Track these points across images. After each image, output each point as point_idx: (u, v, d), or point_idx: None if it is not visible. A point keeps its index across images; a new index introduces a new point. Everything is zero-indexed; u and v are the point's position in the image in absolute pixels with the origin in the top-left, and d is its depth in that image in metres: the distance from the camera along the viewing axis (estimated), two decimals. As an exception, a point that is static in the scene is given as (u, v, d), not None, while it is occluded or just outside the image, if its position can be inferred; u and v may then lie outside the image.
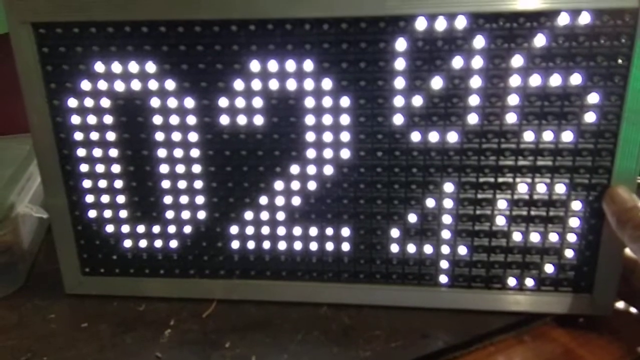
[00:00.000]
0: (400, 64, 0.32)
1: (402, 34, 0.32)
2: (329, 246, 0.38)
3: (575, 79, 0.31)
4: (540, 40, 0.31)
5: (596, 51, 0.31)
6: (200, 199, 0.38)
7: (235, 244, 0.39)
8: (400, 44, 0.32)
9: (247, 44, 0.33)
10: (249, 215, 0.38)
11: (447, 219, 0.36)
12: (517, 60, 0.31)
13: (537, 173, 0.34)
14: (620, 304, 0.38)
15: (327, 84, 0.33)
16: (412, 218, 0.36)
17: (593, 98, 0.31)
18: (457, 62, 0.32)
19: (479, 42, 0.31)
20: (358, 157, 0.35)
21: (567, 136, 0.32)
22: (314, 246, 0.38)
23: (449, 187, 0.35)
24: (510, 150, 0.33)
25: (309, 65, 0.33)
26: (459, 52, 0.32)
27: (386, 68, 0.33)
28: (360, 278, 0.38)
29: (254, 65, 0.34)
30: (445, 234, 0.36)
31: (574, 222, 0.34)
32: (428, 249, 0.37)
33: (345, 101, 0.34)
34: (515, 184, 0.34)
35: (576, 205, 0.34)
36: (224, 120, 0.35)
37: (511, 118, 0.33)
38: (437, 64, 0.32)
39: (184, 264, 0.40)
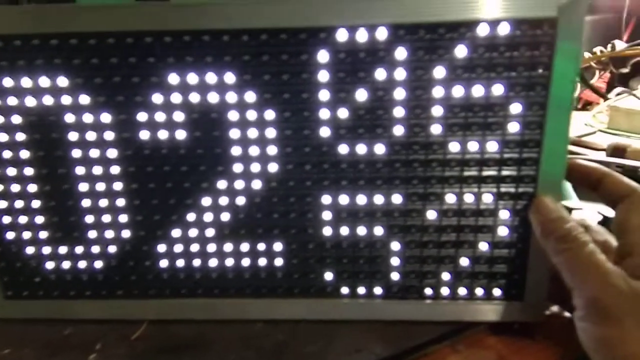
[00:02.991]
0: (323, 76, 0.32)
1: (323, 45, 0.31)
2: (262, 262, 0.37)
3: (497, 90, 0.31)
4: (461, 51, 0.31)
5: (517, 61, 0.31)
6: (123, 218, 0.36)
7: (163, 263, 0.37)
8: (323, 56, 0.31)
9: (164, 56, 0.32)
10: (176, 232, 0.37)
11: (378, 231, 0.35)
12: (439, 72, 0.31)
13: (464, 183, 0.34)
14: (555, 308, 0.38)
15: (250, 96, 0.33)
16: (345, 231, 0.36)
17: (515, 108, 0.32)
18: (380, 74, 0.31)
19: (400, 53, 0.31)
20: (286, 170, 0.34)
21: (492, 146, 0.33)
22: (246, 262, 0.37)
23: (378, 199, 0.35)
24: (437, 161, 0.33)
25: (230, 77, 0.32)
26: (382, 63, 0.31)
27: (310, 80, 0.32)
28: (295, 293, 0.38)
29: (173, 78, 0.32)
30: (379, 245, 0.36)
31: (503, 231, 0.35)
32: (368, 262, 0.36)
33: (269, 114, 0.33)
34: (443, 194, 0.34)
35: (504, 214, 0.34)
36: (144, 135, 0.34)
37: (436, 129, 0.33)
38: (360, 75, 0.32)
39: (111, 285, 0.38)
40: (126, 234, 0.37)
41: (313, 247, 0.36)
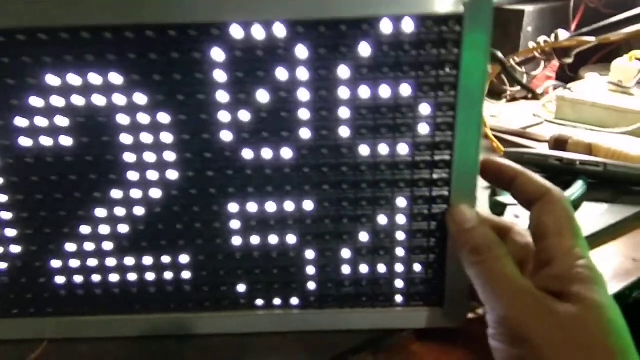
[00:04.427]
0: (220, 75, 0.30)
1: (217, 42, 0.29)
2: (168, 275, 0.35)
3: (405, 90, 0.30)
4: (364, 49, 0.29)
5: (423, 60, 0.30)
6: (11, 232, 0.34)
7: (60, 279, 0.35)
8: (217, 54, 0.29)
9: (39, 56, 0.29)
10: (70, 247, 0.34)
11: (291, 239, 0.34)
12: (343, 71, 0.30)
13: (376, 188, 0.33)
14: (481, 311, 0.38)
15: (140, 98, 0.30)
16: (255, 240, 0.34)
17: (425, 109, 0.31)
18: (281, 74, 0.30)
19: (301, 51, 0.29)
20: (187, 178, 0.33)
21: (403, 149, 0.32)
22: (150, 276, 0.35)
23: (289, 206, 0.33)
24: (347, 165, 0.32)
25: (116, 78, 0.30)
26: (282, 62, 0.30)
27: (205, 81, 0.30)
28: (206, 306, 0.36)
29: (51, 80, 0.30)
30: (293, 254, 0.35)
31: (419, 236, 0.34)
32: (282, 272, 0.35)
33: (163, 117, 0.31)
34: (356, 199, 0.33)
35: (419, 219, 0.34)
36: (25, 142, 0.31)
37: (344, 132, 0.31)
38: (259, 75, 0.30)
39: (5, 303, 0.36)
40: (16, 249, 0.34)
41: (222, 258, 0.35)
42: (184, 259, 0.35)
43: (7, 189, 0.33)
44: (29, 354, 0.36)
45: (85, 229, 0.34)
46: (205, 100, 0.31)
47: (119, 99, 0.30)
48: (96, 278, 0.35)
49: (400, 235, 0.34)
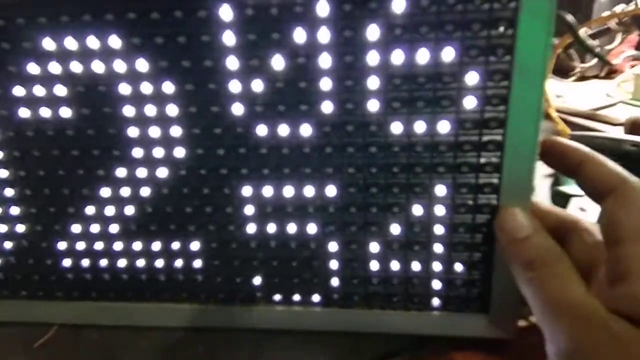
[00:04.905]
0: (229, 38, 0.26)
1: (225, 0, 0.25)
2: (178, 263, 0.32)
3: (448, 54, 0.25)
4: (399, 5, 0.25)
5: (471, 17, 0.25)
6: (15, 210, 0.32)
7: (67, 262, 0.33)
8: (226, 13, 0.26)
9: (33, 17, 0.27)
10: (76, 228, 0.32)
11: (312, 229, 0.30)
12: (372, 32, 0.25)
13: (411, 173, 0.28)
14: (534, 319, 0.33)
15: (142, 65, 0.27)
16: (272, 228, 0.31)
17: (472, 78, 0.26)
18: (299, 36, 0.26)
19: (322, 8, 0.25)
20: (195, 156, 0.29)
21: (444, 127, 0.27)
22: (160, 263, 0.32)
23: (309, 190, 0.29)
24: (376, 145, 0.28)
25: (115, 41, 0.27)
26: (300, 22, 0.25)
27: (213, 44, 0.26)
28: (219, 298, 0.33)
29: (48, 44, 0.27)
30: (314, 245, 0.31)
31: (462, 230, 0.29)
32: (302, 265, 0.31)
33: (168, 87, 0.28)
34: (386, 185, 0.29)
35: (462, 210, 0.29)
36: (24, 113, 0.29)
37: (373, 106, 0.27)
38: (274, 38, 0.26)
39: (13, 284, 0.34)
40: (21, 228, 0.33)
41: (236, 246, 0.31)
42: (195, 245, 0.32)
43: (9, 164, 0.31)
44: (38, 337, 0.34)
45: (90, 210, 0.31)
46: (213, 67, 0.27)
47: (120, 66, 0.27)
48: (103, 262, 0.33)
49: (439, 229, 0.29)
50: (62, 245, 0.33)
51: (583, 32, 0.70)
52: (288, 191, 0.30)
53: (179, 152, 0.29)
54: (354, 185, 0.29)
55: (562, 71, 0.83)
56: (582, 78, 0.88)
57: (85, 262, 0.33)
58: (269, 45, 0.26)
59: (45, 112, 0.29)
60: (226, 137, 0.29)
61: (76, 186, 0.31)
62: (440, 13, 0.25)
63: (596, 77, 0.92)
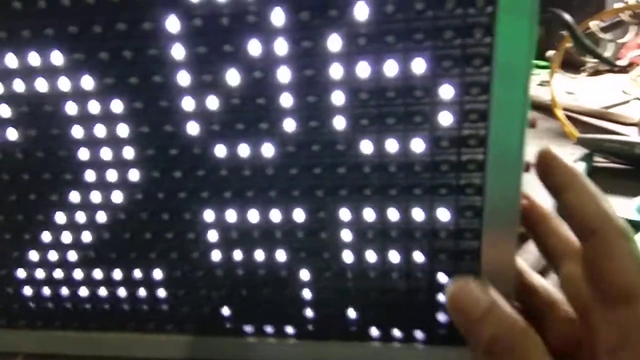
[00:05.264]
0: (178, 51, 0.24)
1: (171, 8, 0.23)
2: (141, 292, 0.30)
3: (418, 66, 0.23)
4: (361, 12, 0.22)
5: (443, 24, 0.22)
6: (-30, 237, 0.30)
7: (28, 290, 0.32)
8: (173, 24, 0.23)
9: (-31, 33, 0.25)
10: (34, 255, 0.30)
11: (281, 256, 0.28)
12: (334, 42, 0.23)
13: (385, 195, 0.26)
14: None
15: (87, 82, 0.25)
16: (238, 255, 0.28)
17: (446, 92, 0.23)
18: (254, 48, 0.23)
19: (277, 17, 0.23)
20: (151, 179, 0.27)
21: (418, 145, 0.24)
22: (122, 292, 0.31)
23: (275, 215, 0.27)
24: (345, 165, 0.25)
25: (57, 58, 0.25)
26: (254, 32, 0.23)
27: (161, 59, 0.24)
28: (187, 329, 0.31)
29: (-13, 62, 0.25)
30: (284, 273, 0.28)
31: (443, 253, 0.27)
32: (272, 294, 0.29)
33: (117, 105, 0.26)
34: (359, 208, 0.26)
35: (441, 234, 0.26)
36: (-32, 136, 0.27)
37: (339, 123, 0.24)
38: (226, 50, 0.24)
39: (-25, 313, 0.33)
40: (-23, 255, 0.31)
41: (201, 275, 0.29)
42: (157, 274, 0.30)
43: (-40, 189, 0.29)
44: (1, 368, 0.33)
45: (46, 236, 0.30)
46: (163, 84, 0.25)
47: (64, 84, 0.25)
48: (65, 291, 0.31)
49: (417, 256, 0.27)
50: (21, 273, 0.31)
51: (595, 24, 0.66)
52: (253, 216, 0.27)
53: (134, 175, 0.27)
54: (324, 209, 0.27)
55: (573, 65, 0.79)
56: (596, 73, 0.84)
57: (46, 291, 0.31)
58: (221, 58, 0.24)
59: (-10, 135, 0.27)
60: (182, 158, 0.26)
61: (30, 212, 0.29)
62: (408, 20, 0.22)
63: (610, 71, 0.88)
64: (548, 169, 0.24)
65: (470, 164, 0.24)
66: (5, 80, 0.26)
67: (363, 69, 0.23)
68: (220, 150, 0.26)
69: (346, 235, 0.27)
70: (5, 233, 0.30)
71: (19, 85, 0.26)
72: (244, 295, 0.29)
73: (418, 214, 0.26)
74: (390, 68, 0.23)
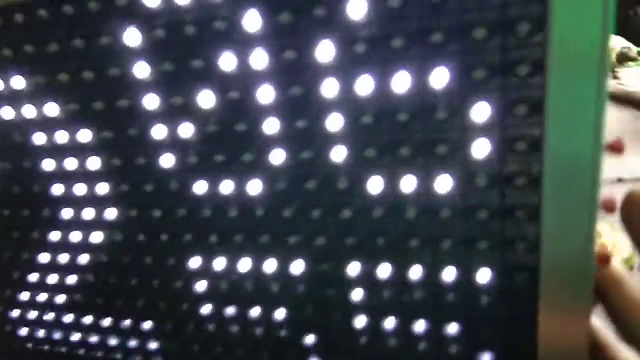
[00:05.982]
0: (140, 70, 0.20)
1: (128, 18, 0.19)
2: (132, 343, 0.27)
3: (440, 78, 0.17)
4: (358, 8, 0.16)
5: (473, 18, 0.16)
6: (-37, 273, 0.29)
7: (23, 331, 0.29)
8: (132, 37, 0.19)
9: None
10: (24, 296, 0.28)
11: (280, 314, 0.23)
12: (325, 51, 0.17)
13: (403, 246, 0.20)
14: None
15: (51, 109, 0.22)
16: (230, 310, 0.24)
17: (481, 112, 0.17)
18: (227, 61, 0.19)
19: (252, 21, 0.18)
20: (129, 218, 0.23)
21: (444, 183, 0.18)
22: (113, 341, 0.27)
23: (270, 265, 0.22)
24: (350, 207, 0.20)
25: (18, 81, 0.22)
26: (226, 42, 0.18)
27: (123, 78, 0.20)
28: (183, 387, 0.27)
29: (-49, 88, 0.23)
30: (285, 333, 0.23)
31: (478, 319, 0.20)
32: (274, 356, 0.24)
33: (84, 135, 0.22)
34: (373, 264, 0.20)
35: (480, 299, 0.20)
36: (-54, 169, 0.25)
37: (338, 154, 0.19)
38: (195, 66, 0.19)
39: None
40: (-27, 292, 0.29)
41: (192, 329, 0.25)
42: (147, 324, 0.26)
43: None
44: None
45: (33, 277, 0.27)
46: (130, 109, 0.21)
47: (30, 111, 0.22)
48: (57, 335, 0.28)
49: (451, 328, 0.20)
50: (15, 313, 0.29)
51: None
52: (244, 265, 0.22)
53: (111, 214, 0.24)
54: (328, 260, 0.21)
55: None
56: None
57: (40, 333, 0.29)
58: (190, 75, 0.19)
59: (-34, 168, 0.25)
60: (160, 195, 0.22)
61: (15, 250, 0.27)
62: (422, 17, 0.16)
63: None
64: (634, 217, 0.17)
65: (520, 209, 0.18)
66: (-29, 108, 0.23)
67: (364, 85, 0.17)
68: (199, 187, 0.21)
69: (357, 294, 0.21)
70: (-5, 270, 0.28)
71: (-15, 113, 0.23)
72: (240, 355, 0.25)
73: (448, 274, 0.19)
74: (401, 82, 0.17)
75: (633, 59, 0.64)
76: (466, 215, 0.18)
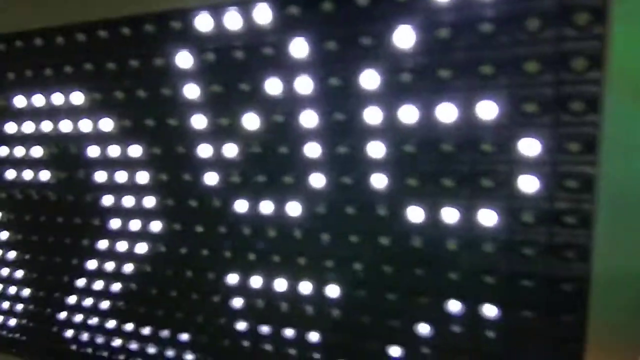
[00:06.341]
0: (191, 91, 0.21)
1: (180, 40, 0.20)
2: (170, 353, 0.27)
3: (488, 109, 0.16)
4: (404, 38, 0.16)
5: (524, 51, 0.15)
6: (19, 272, 0.30)
7: (68, 333, 0.31)
8: (184, 60, 0.20)
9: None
10: (72, 299, 0.29)
11: (314, 337, 0.23)
12: (369, 79, 0.17)
13: (442, 278, 0.19)
14: None
15: (107, 124, 0.23)
16: (265, 329, 0.24)
17: (529, 146, 0.16)
18: (273, 86, 0.19)
19: (299, 48, 0.18)
20: (173, 231, 0.24)
21: (487, 218, 0.18)
22: (152, 349, 0.28)
23: (305, 287, 0.22)
24: (389, 234, 0.19)
25: (78, 97, 0.23)
26: (272, 67, 0.19)
27: (174, 98, 0.21)
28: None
29: (19, 101, 0.25)
30: (319, 357, 0.23)
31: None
32: None
33: (135, 150, 0.23)
34: (411, 291, 0.20)
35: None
36: (10, 174, 0.27)
37: (379, 181, 0.19)
38: (243, 89, 0.20)
39: (27, 349, 0.33)
40: (26, 291, 0.31)
41: (228, 344, 0.25)
42: (184, 336, 0.26)
43: (5, 225, 0.29)
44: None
45: (80, 282, 0.28)
46: (178, 127, 0.21)
47: (86, 125, 0.24)
48: (100, 339, 0.30)
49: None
50: (62, 315, 0.30)
51: None
52: (280, 285, 0.23)
53: (156, 226, 0.24)
54: (364, 286, 0.21)
55: None
56: None
57: (84, 336, 0.30)
58: (237, 98, 0.20)
59: (27, 174, 0.26)
60: (203, 211, 0.23)
61: (65, 255, 0.28)
62: (472, 48, 0.16)
63: None
64: None
65: (568, 250, 0.17)
66: (35, 121, 0.25)
67: (408, 113, 0.17)
68: (240, 205, 0.22)
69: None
70: (46, 274, 0.29)
71: (47, 126, 0.25)
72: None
73: (490, 310, 0.19)
74: (447, 112, 0.17)
75: None
76: (512, 252, 0.18)
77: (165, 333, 0.27)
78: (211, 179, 0.22)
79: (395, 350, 0.21)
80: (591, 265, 0.16)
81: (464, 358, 0.20)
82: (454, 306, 0.19)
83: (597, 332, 0.17)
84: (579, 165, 0.16)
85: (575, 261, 0.17)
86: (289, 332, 0.24)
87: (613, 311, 0.17)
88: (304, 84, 0.18)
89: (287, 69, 0.19)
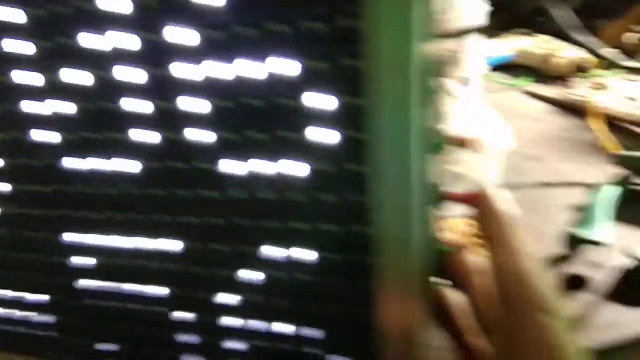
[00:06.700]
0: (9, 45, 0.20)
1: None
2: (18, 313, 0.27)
3: (287, 67, 0.17)
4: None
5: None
6: None
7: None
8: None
9: None
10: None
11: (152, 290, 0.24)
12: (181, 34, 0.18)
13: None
14: None
15: None
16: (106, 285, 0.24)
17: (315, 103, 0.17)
18: (86, 39, 0.19)
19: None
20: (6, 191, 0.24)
21: (294, 167, 0.19)
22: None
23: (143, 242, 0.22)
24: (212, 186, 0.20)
25: None
26: (83, 20, 0.19)
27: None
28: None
29: None
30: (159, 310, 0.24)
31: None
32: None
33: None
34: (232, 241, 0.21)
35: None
36: None
37: (201, 136, 0.19)
38: (59, 42, 0.19)
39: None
40: None
41: (72, 302, 0.26)
42: (28, 297, 0.26)
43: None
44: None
45: None
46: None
47: None
48: None
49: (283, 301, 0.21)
50: None
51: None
52: (119, 241, 0.23)
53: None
54: (197, 239, 0.22)
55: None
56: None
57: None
58: (51, 53, 0.19)
59: None
60: (34, 169, 0.22)
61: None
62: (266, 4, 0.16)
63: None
64: (481, 215, 0.19)
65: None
66: None
67: (216, 69, 0.18)
68: (71, 162, 0.22)
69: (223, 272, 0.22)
70: None
71: None
72: (118, 331, 0.25)
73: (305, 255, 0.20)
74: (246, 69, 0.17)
75: (588, 70, 0.66)
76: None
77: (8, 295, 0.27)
78: (40, 135, 0.22)
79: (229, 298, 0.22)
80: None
81: (286, 301, 0.22)
82: (277, 252, 0.21)
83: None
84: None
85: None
86: (130, 287, 0.24)
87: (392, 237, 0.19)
88: (124, 39, 0.18)
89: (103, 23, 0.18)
